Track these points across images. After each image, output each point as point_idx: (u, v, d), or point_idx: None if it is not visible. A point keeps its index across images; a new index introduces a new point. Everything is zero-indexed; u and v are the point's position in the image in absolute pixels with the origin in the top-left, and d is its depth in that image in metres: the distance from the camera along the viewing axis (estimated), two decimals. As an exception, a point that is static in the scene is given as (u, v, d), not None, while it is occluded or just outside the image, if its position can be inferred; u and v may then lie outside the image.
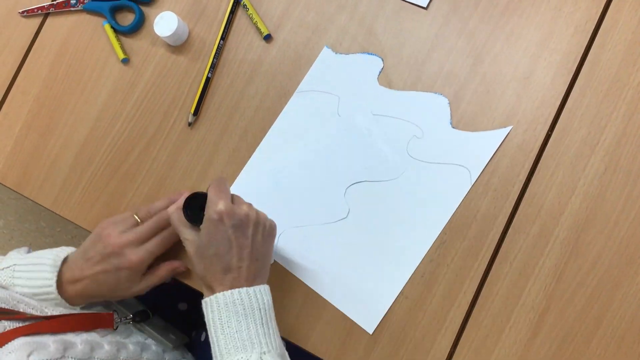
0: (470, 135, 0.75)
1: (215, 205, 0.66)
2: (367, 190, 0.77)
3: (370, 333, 0.74)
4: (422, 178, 0.75)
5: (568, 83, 0.73)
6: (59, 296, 0.71)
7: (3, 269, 0.73)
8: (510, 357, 0.69)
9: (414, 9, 0.80)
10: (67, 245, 0.78)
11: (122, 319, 0.78)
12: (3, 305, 0.65)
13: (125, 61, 0.87)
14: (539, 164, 0.73)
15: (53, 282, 0.71)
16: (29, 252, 0.79)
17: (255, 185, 0.80)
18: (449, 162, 0.75)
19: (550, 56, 0.74)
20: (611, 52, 0.73)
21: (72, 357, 0.64)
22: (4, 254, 0.79)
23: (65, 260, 0.73)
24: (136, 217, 0.76)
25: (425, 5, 0.79)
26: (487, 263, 0.72)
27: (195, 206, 0.69)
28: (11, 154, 0.89)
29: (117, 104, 0.86)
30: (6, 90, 0.91)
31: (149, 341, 0.80)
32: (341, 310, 0.75)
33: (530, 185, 0.72)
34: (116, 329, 0.76)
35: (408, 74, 0.78)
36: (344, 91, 0.80)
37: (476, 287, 0.72)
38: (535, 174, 0.72)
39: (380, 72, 0.79)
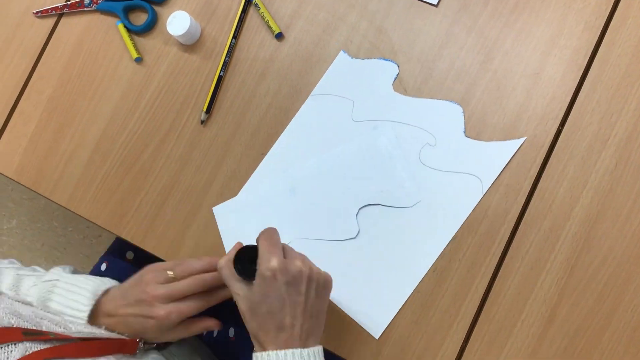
0: (484, 145, 0.75)
1: (268, 262, 0.65)
2: (379, 212, 0.77)
3: (376, 338, 0.74)
4: (433, 186, 0.76)
5: (578, 79, 0.74)
6: (89, 324, 0.70)
7: (45, 281, 0.73)
8: (522, 350, 0.70)
9: (424, 6, 0.80)
10: (79, 244, 0.78)
11: (146, 344, 0.76)
12: (26, 325, 0.64)
13: (139, 60, 0.88)
14: (550, 159, 0.73)
15: (87, 310, 0.71)
16: (72, 272, 0.79)
17: (266, 190, 0.81)
18: (461, 171, 0.75)
19: (561, 52, 0.75)
20: (621, 48, 0.73)
21: None
22: (18, 253, 0.80)
23: (106, 292, 0.74)
24: (170, 274, 0.75)
25: (435, 3, 0.80)
26: (498, 258, 0.72)
27: (245, 259, 0.67)
28: (26, 153, 0.90)
29: (130, 102, 0.87)
30: (21, 90, 0.92)
31: None
32: (348, 314, 0.76)
33: (541, 180, 0.73)
34: (136, 355, 0.74)
35: (419, 71, 0.79)
36: (358, 96, 0.80)
37: (488, 281, 0.72)
38: (546, 169, 0.73)
39: (395, 78, 0.79)
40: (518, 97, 0.75)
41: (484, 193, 0.74)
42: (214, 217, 0.82)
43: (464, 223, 0.74)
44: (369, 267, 0.76)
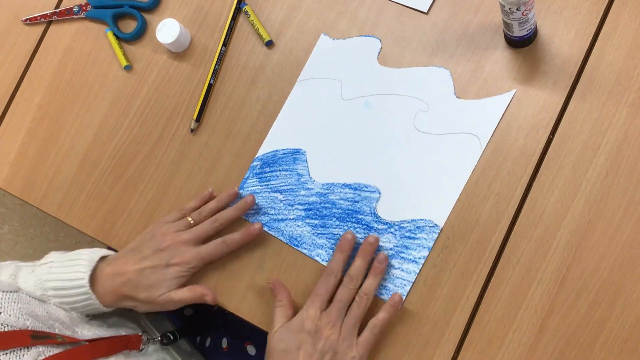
0: (475, 103, 0.76)
1: (307, 310, 0.70)
2: (382, 170, 0.77)
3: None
4: (432, 150, 0.76)
5: (569, 87, 0.73)
6: (90, 291, 0.71)
7: (41, 265, 0.74)
8: (513, 361, 0.70)
9: (414, 14, 0.80)
10: (73, 249, 0.78)
11: (150, 339, 0.79)
12: (40, 326, 0.64)
13: (128, 68, 0.88)
14: (541, 168, 0.73)
15: (86, 276, 0.71)
16: None
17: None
18: (457, 131, 0.75)
19: (551, 60, 0.74)
20: (612, 55, 0.73)
21: None
22: (9, 259, 0.79)
23: (104, 258, 0.75)
24: (189, 220, 0.77)
25: (425, 11, 0.79)
26: (489, 267, 0.72)
27: None
28: (15, 161, 0.89)
29: (120, 110, 0.87)
30: (10, 98, 0.92)
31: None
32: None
33: (532, 189, 0.73)
34: (141, 350, 0.76)
35: (409, 79, 0.78)
36: (345, 75, 0.80)
37: (479, 291, 0.72)
38: (537, 178, 0.73)
39: (379, 52, 0.79)
40: (510, 105, 0.75)
41: (482, 149, 0.74)
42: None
43: (455, 230, 0.73)
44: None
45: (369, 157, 0.78)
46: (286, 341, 0.69)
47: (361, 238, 0.75)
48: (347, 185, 0.77)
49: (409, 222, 0.73)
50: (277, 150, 0.80)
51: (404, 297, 0.73)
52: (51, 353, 0.62)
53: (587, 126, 0.72)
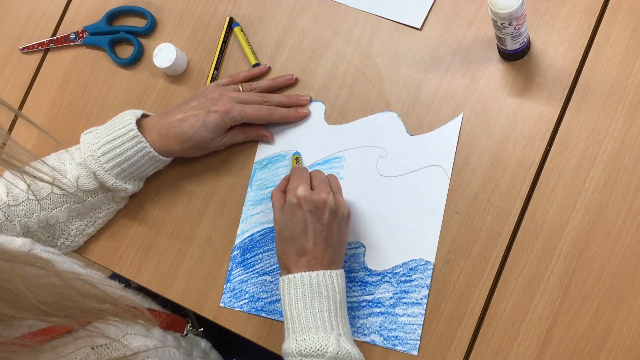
0: (429, 136, 0.77)
1: (295, 190, 0.70)
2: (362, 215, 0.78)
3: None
4: (402, 191, 0.77)
5: (564, 98, 0.74)
6: (139, 134, 0.75)
7: (86, 134, 0.78)
8: (519, 373, 0.70)
9: (408, 30, 0.81)
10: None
11: (193, 329, 0.82)
12: None
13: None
14: (539, 180, 0.73)
15: (133, 122, 0.76)
16: None
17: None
18: (420, 167, 0.77)
19: (546, 72, 0.75)
20: (605, 65, 0.73)
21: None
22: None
23: (145, 115, 0.80)
24: (240, 88, 0.81)
25: (419, 27, 0.80)
26: (492, 280, 0.72)
27: None
28: (17, 189, 0.89)
29: (119, 135, 0.87)
30: (10, 126, 0.92)
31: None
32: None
33: (531, 201, 0.73)
34: (185, 335, 0.79)
35: (406, 95, 0.79)
36: (301, 144, 0.81)
37: (483, 304, 0.72)
38: (536, 189, 0.73)
39: (324, 114, 0.81)
40: (505, 118, 0.75)
41: (449, 177, 0.75)
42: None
43: (457, 244, 0.74)
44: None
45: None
46: (290, 227, 0.70)
47: (358, 296, 0.76)
48: None
49: (400, 267, 0.74)
50: (253, 234, 0.80)
51: (417, 342, 0.72)
52: None
53: (584, 136, 0.73)
